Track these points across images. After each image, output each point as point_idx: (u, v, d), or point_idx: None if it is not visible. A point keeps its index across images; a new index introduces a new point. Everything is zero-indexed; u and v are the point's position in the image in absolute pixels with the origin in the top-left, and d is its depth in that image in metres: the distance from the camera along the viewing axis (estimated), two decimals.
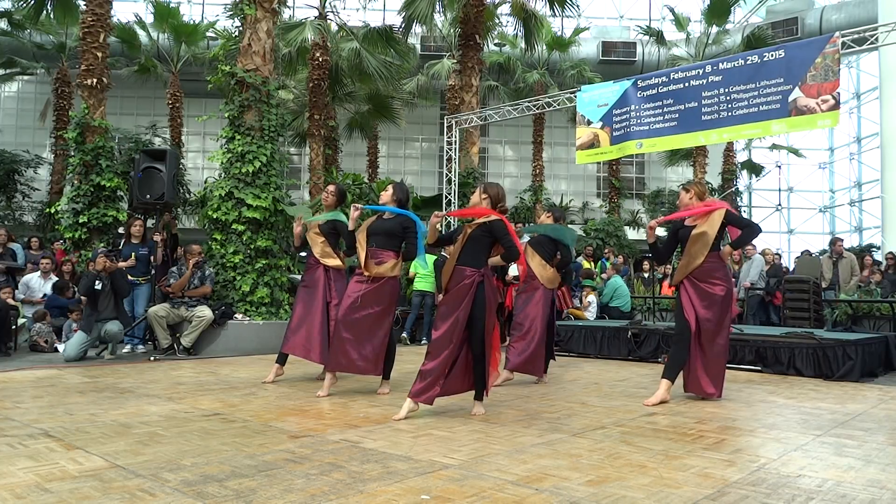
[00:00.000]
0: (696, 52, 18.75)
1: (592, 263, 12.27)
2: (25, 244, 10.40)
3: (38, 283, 8.74)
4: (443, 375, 4.04)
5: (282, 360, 5.55)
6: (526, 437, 3.48)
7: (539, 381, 5.77)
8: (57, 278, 8.90)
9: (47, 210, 15.73)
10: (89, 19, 10.17)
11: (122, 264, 7.63)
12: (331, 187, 5.67)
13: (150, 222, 8.79)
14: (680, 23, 19.04)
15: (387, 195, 4.83)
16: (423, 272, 9.71)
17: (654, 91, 9.71)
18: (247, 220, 8.35)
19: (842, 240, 11.60)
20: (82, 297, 7.32)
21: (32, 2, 13.74)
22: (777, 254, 12.28)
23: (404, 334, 9.69)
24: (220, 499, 2.39)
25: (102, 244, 9.25)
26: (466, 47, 14.44)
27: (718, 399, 4.77)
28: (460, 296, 4.06)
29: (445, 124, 13.01)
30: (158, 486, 2.53)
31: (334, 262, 5.51)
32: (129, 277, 7.75)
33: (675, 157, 20.71)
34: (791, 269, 13.59)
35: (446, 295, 4.16)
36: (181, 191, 16.24)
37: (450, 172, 12.81)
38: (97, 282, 6.98)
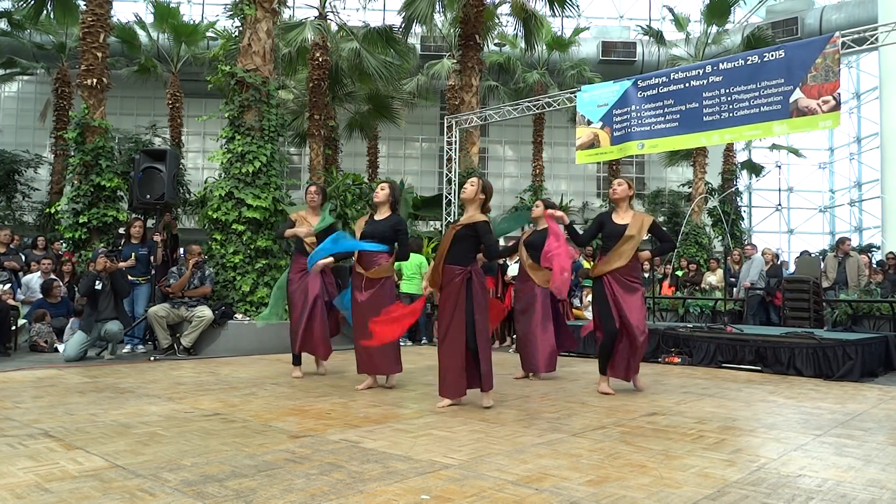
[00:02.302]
0: (695, 52, 18.74)
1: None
2: (30, 243, 10.42)
3: (37, 284, 8.74)
4: (463, 368, 4.28)
5: (296, 361, 5.80)
6: (526, 437, 3.48)
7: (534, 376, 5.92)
8: (55, 278, 8.89)
9: (47, 210, 15.71)
10: (89, 19, 10.16)
11: (122, 264, 7.64)
12: (313, 188, 5.86)
13: (150, 222, 8.79)
14: (680, 23, 19.03)
15: (383, 194, 5.06)
16: (409, 273, 9.44)
17: (655, 91, 9.70)
18: (247, 220, 8.35)
19: (849, 239, 11.57)
20: (79, 298, 7.32)
21: (32, 2, 13.72)
22: (776, 254, 12.25)
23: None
24: (220, 499, 2.39)
25: (102, 244, 9.25)
26: (466, 47, 14.43)
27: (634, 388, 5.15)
28: (454, 293, 4.29)
29: (445, 124, 13.01)
30: (158, 486, 2.53)
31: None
32: (129, 277, 7.75)
33: (675, 157, 20.70)
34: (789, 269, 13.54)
35: (442, 295, 4.36)
36: (181, 191, 16.22)
37: (450, 172, 12.81)
38: (97, 282, 6.99)
